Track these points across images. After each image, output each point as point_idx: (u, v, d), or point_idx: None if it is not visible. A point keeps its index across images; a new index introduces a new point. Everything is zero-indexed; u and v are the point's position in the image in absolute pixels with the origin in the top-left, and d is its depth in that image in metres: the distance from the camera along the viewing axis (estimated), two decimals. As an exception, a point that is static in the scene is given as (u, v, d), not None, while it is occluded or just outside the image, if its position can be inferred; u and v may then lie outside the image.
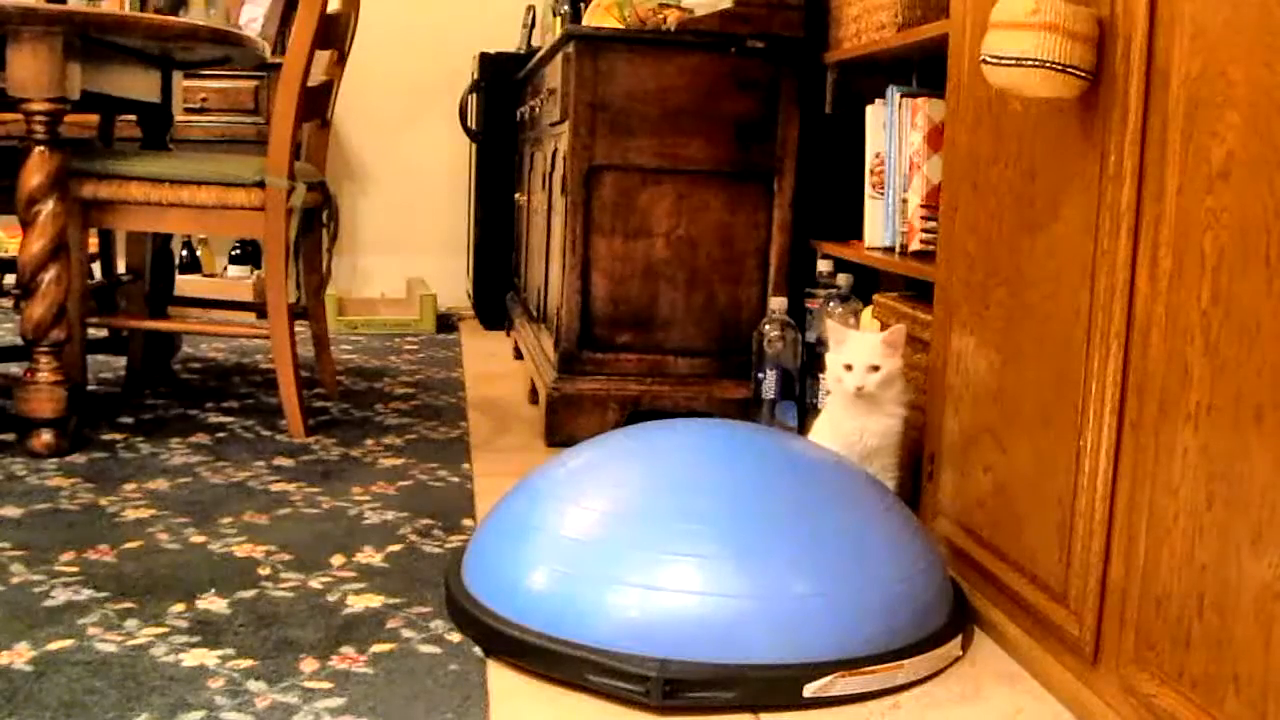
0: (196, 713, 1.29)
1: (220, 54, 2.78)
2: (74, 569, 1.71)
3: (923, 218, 2.20)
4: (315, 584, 1.70)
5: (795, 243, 2.64)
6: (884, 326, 2.18)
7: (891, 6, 2.28)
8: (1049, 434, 1.45)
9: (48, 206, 2.28)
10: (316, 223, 2.83)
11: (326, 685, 1.37)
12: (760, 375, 2.51)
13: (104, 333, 3.01)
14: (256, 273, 4.49)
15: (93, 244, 3.17)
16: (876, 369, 1.78)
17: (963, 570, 1.69)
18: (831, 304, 2.47)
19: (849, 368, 1.80)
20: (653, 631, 1.39)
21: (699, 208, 2.60)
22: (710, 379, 2.63)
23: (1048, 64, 1.31)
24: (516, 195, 3.88)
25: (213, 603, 1.60)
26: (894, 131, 2.31)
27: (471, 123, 4.26)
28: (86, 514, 1.97)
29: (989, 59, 1.36)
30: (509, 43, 4.38)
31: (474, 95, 4.25)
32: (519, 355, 3.53)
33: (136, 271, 2.98)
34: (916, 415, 1.92)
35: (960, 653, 1.54)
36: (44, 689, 1.33)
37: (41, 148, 2.27)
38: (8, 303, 3.96)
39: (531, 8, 4.27)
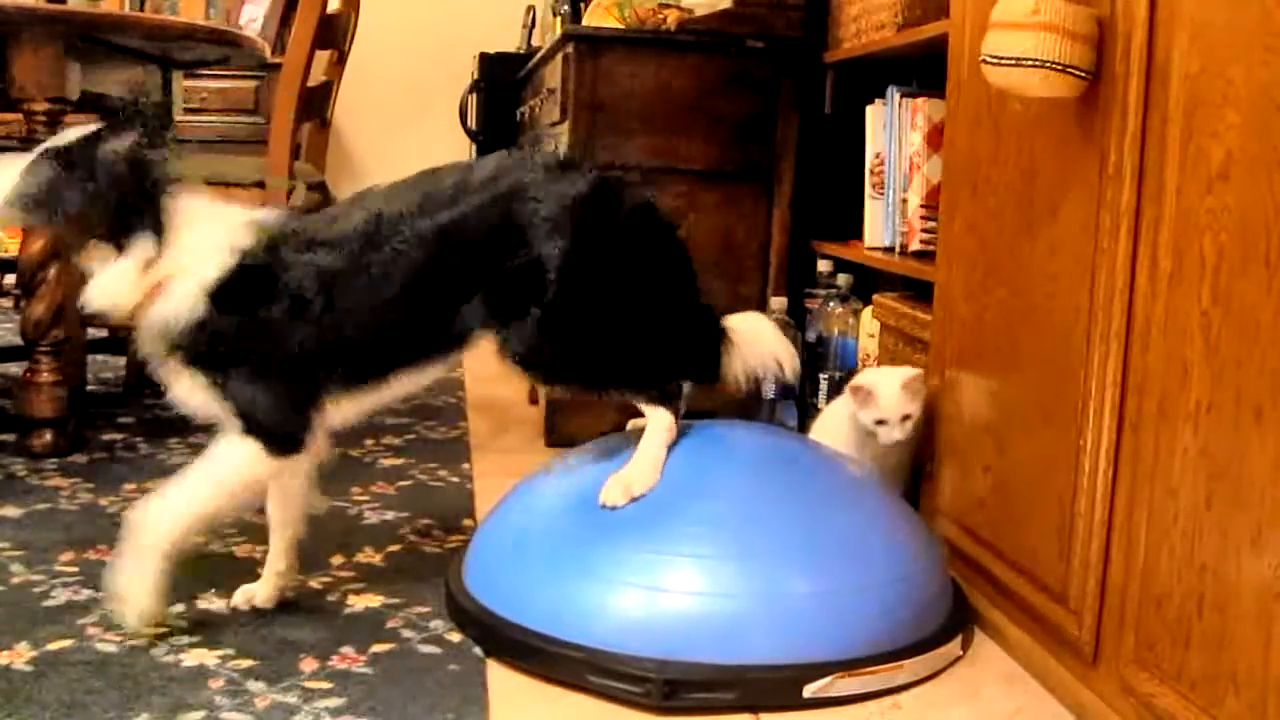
0: (196, 712, 1.29)
1: (220, 54, 2.78)
2: (74, 569, 1.71)
3: (923, 218, 2.20)
4: (315, 584, 1.70)
5: (795, 243, 2.63)
6: (884, 327, 2.18)
7: (891, 6, 2.27)
8: (1049, 434, 1.45)
9: (47, 206, 2.28)
10: (316, 223, 2.83)
11: (326, 685, 1.37)
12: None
13: (104, 333, 3.01)
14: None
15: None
16: (908, 417, 1.83)
17: (963, 570, 1.69)
18: (831, 304, 2.47)
19: (883, 423, 1.82)
20: (653, 632, 1.39)
21: (698, 208, 2.59)
22: (710, 379, 2.62)
23: (1048, 64, 1.31)
24: (516, 195, 3.87)
25: (213, 603, 1.60)
26: (894, 131, 2.31)
27: (471, 123, 4.26)
28: (86, 514, 1.96)
29: (989, 59, 1.36)
30: (509, 43, 4.38)
31: (474, 95, 4.24)
32: (519, 355, 3.52)
33: (137, 271, 2.97)
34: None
35: (960, 653, 1.54)
36: (44, 689, 1.33)
37: (42, 148, 2.27)
38: (8, 303, 3.96)
39: (531, 8, 4.26)
